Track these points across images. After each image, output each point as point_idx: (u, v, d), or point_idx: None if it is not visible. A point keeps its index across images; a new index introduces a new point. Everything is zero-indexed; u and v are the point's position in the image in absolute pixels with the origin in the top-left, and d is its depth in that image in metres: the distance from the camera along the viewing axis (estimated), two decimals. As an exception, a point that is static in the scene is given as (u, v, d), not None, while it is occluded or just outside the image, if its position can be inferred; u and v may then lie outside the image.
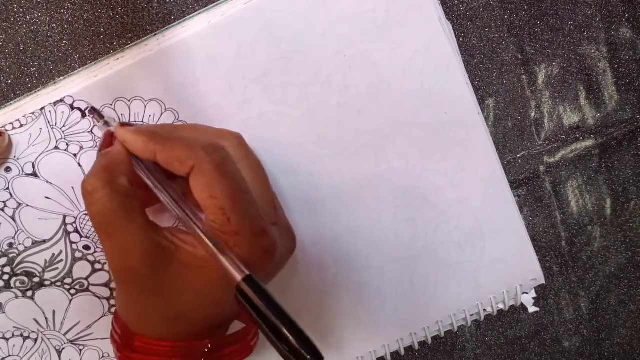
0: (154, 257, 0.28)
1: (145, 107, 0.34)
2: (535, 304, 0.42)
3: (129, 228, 0.27)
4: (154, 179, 0.30)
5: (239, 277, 0.26)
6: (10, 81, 0.35)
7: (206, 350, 0.30)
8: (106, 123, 0.32)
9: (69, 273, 0.36)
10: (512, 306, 0.42)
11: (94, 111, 0.33)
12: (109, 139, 0.31)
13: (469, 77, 0.37)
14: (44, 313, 0.37)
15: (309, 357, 0.25)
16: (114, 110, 0.34)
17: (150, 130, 0.30)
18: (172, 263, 0.28)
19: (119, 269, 0.28)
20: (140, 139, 0.29)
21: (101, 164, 0.29)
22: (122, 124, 0.31)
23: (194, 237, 0.28)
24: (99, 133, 0.34)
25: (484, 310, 0.40)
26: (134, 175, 0.30)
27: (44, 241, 0.35)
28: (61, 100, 0.33)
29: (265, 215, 0.30)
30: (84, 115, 0.34)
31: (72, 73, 0.34)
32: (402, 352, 0.41)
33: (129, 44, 0.35)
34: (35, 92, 0.34)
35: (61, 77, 0.34)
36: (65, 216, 0.35)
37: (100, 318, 0.38)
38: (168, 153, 0.28)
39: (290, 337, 0.25)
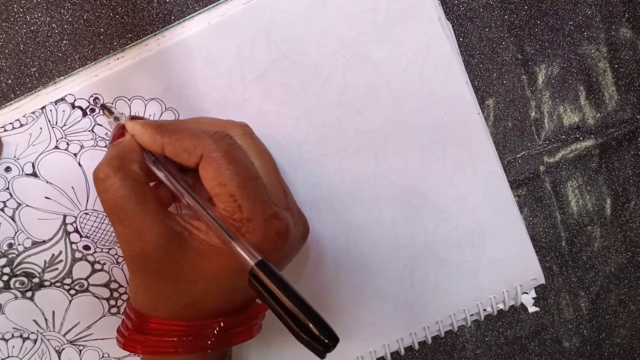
0: (167, 242, 0.28)
1: (145, 106, 0.34)
2: (535, 304, 0.42)
3: (142, 213, 0.27)
4: (165, 170, 0.30)
5: (251, 262, 0.26)
6: (10, 81, 0.35)
7: (218, 329, 0.30)
8: (116, 119, 0.32)
9: (69, 273, 0.36)
10: (512, 306, 0.42)
11: (104, 107, 0.33)
12: (120, 132, 0.31)
13: (469, 77, 0.37)
14: (43, 314, 0.37)
15: (327, 341, 0.24)
16: (115, 108, 0.34)
17: (157, 123, 0.30)
18: (186, 249, 0.28)
19: (133, 254, 0.28)
20: (148, 131, 0.29)
21: (113, 152, 0.29)
22: (132, 117, 0.31)
23: (205, 225, 0.28)
24: (100, 132, 0.34)
25: (484, 310, 0.40)
26: (147, 167, 0.30)
27: (44, 241, 0.35)
28: (62, 99, 0.33)
29: (276, 200, 0.30)
30: (84, 114, 0.34)
31: (72, 73, 0.34)
32: (402, 352, 0.41)
33: (129, 44, 0.35)
34: (36, 92, 0.34)
35: (61, 77, 0.34)
36: (65, 216, 0.35)
37: (100, 318, 0.37)
38: (176, 144, 0.28)
39: (307, 321, 0.25)
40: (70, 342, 0.38)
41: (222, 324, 0.30)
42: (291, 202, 0.32)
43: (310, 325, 0.25)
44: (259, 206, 0.28)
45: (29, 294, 0.36)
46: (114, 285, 0.37)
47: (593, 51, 0.39)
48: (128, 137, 0.30)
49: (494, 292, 0.40)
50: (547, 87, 0.39)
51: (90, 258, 0.36)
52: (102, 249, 0.36)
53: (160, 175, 0.30)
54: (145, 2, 0.35)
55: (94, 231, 0.36)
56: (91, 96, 0.34)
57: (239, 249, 0.27)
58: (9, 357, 0.37)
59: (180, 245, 0.28)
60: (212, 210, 0.28)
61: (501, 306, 0.41)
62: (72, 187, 0.35)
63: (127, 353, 0.38)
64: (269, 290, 0.26)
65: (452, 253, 0.39)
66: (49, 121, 0.34)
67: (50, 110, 0.33)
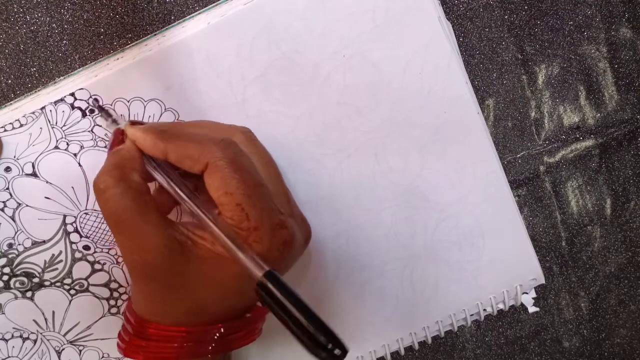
0: (169, 252, 0.27)
1: (144, 107, 0.34)
2: (535, 304, 0.42)
3: (143, 224, 0.27)
4: (167, 177, 0.29)
5: (259, 273, 0.26)
6: (10, 81, 0.35)
7: (218, 334, 0.30)
8: (114, 121, 0.31)
9: (69, 273, 0.36)
10: (512, 306, 0.42)
11: (102, 110, 0.32)
12: (120, 137, 0.30)
13: (469, 77, 0.37)
14: (43, 314, 0.37)
15: (335, 351, 0.25)
16: (114, 110, 0.34)
17: (159, 129, 0.29)
18: (190, 258, 0.28)
19: (135, 264, 0.28)
20: (150, 137, 0.29)
21: (112, 161, 0.29)
22: (133, 122, 0.31)
23: (209, 235, 0.28)
24: (100, 132, 0.34)
25: (484, 310, 0.40)
26: (147, 174, 0.29)
27: (44, 241, 0.35)
28: (62, 100, 0.33)
29: (282, 207, 0.30)
30: (84, 115, 0.34)
31: (72, 73, 0.34)
32: (402, 352, 0.41)
33: (129, 44, 0.35)
34: (36, 92, 0.34)
35: (61, 77, 0.34)
36: (65, 216, 0.35)
37: (100, 318, 0.37)
38: (179, 151, 0.28)
39: (318, 333, 0.25)
40: (70, 342, 0.38)
41: (222, 330, 0.30)
42: (294, 208, 0.32)
43: (321, 338, 0.25)
44: (265, 215, 0.28)
45: (29, 294, 0.36)
46: (114, 285, 0.37)
47: (593, 51, 0.39)
48: (128, 143, 0.30)
49: (494, 292, 0.40)
50: (547, 87, 0.39)
51: (90, 258, 0.36)
52: (102, 249, 0.36)
53: (163, 182, 0.29)
54: (145, 2, 0.35)
55: (94, 231, 0.36)
56: (90, 97, 0.34)
57: (246, 260, 0.27)
58: (9, 357, 0.37)
59: (183, 254, 0.28)
60: (216, 219, 0.28)
61: (501, 306, 0.41)
62: (72, 187, 0.35)
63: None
64: (278, 301, 0.26)
65: (452, 253, 0.39)
66: (49, 121, 0.34)
67: (50, 110, 0.33)
